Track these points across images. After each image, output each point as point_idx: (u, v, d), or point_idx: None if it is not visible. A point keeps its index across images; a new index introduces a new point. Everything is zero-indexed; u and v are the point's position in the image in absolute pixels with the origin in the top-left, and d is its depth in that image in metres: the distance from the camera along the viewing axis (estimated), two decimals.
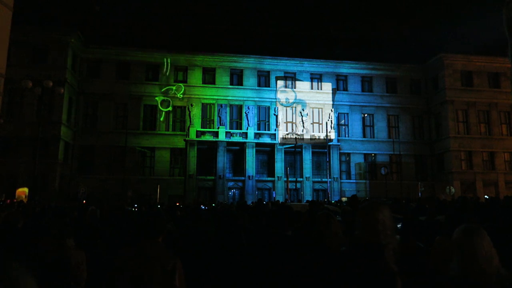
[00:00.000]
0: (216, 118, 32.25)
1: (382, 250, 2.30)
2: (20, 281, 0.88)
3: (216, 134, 31.38)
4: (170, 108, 31.87)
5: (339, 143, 32.73)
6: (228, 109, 32.63)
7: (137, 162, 30.87)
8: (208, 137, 31.25)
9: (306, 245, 3.17)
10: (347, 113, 34.31)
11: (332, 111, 32.92)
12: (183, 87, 32.02)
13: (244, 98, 32.86)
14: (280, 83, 33.57)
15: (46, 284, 3.26)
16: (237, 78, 33.76)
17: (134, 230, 4.92)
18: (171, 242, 4.78)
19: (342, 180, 32.59)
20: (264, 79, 34.09)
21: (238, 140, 31.47)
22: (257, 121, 32.89)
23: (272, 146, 31.99)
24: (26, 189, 26.07)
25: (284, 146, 31.86)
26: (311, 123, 33.03)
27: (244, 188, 31.03)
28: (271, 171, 32.15)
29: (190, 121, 31.42)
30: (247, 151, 31.38)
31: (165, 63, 32.22)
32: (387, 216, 2.42)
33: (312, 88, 34.04)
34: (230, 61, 33.43)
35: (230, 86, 33.19)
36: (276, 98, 33.04)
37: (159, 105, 31.71)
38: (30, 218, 7.61)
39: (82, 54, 31.49)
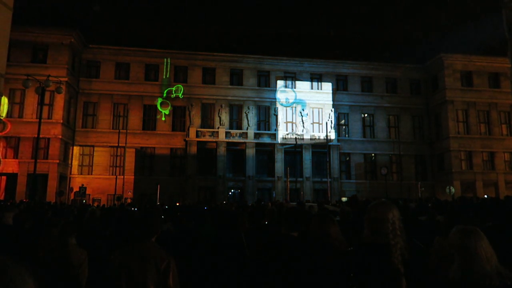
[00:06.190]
0: (216, 118, 32.25)
1: (390, 250, 2.28)
2: (16, 279, 0.88)
3: (216, 134, 31.38)
4: (170, 108, 31.84)
5: (339, 143, 32.73)
6: (228, 109, 32.62)
7: (137, 162, 30.83)
8: (208, 137, 31.26)
9: (307, 246, 3.17)
10: (347, 113, 34.30)
11: (332, 111, 32.90)
12: (181, 87, 31.98)
13: (244, 98, 32.85)
14: (280, 83, 33.55)
15: (48, 283, 3.26)
16: (237, 78, 33.75)
17: (128, 231, 4.95)
18: (171, 242, 4.78)
19: (342, 180, 32.60)
20: (264, 79, 34.07)
21: (238, 140, 31.48)
22: (257, 121, 32.88)
23: (272, 146, 31.99)
24: (26, 189, 26.06)
25: (284, 146, 31.86)
26: (311, 123, 33.02)
27: (244, 188, 31.02)
28: (271, 171, 32.14)
29: (190, 121, 31.43)
30: (247, 151, 31.39)
31: (165, 63, 32.22)
32: (396, 216, 2.41)
33: (312, 88, 34.02)
34: (230, 61, 33.41)
35: (230, 86, 33.17)
36: (276, 98, 33.02)
37: (159, 105, 31.70)
38: (31, 218, 7.60)
39: (82, 54, 31.50)
